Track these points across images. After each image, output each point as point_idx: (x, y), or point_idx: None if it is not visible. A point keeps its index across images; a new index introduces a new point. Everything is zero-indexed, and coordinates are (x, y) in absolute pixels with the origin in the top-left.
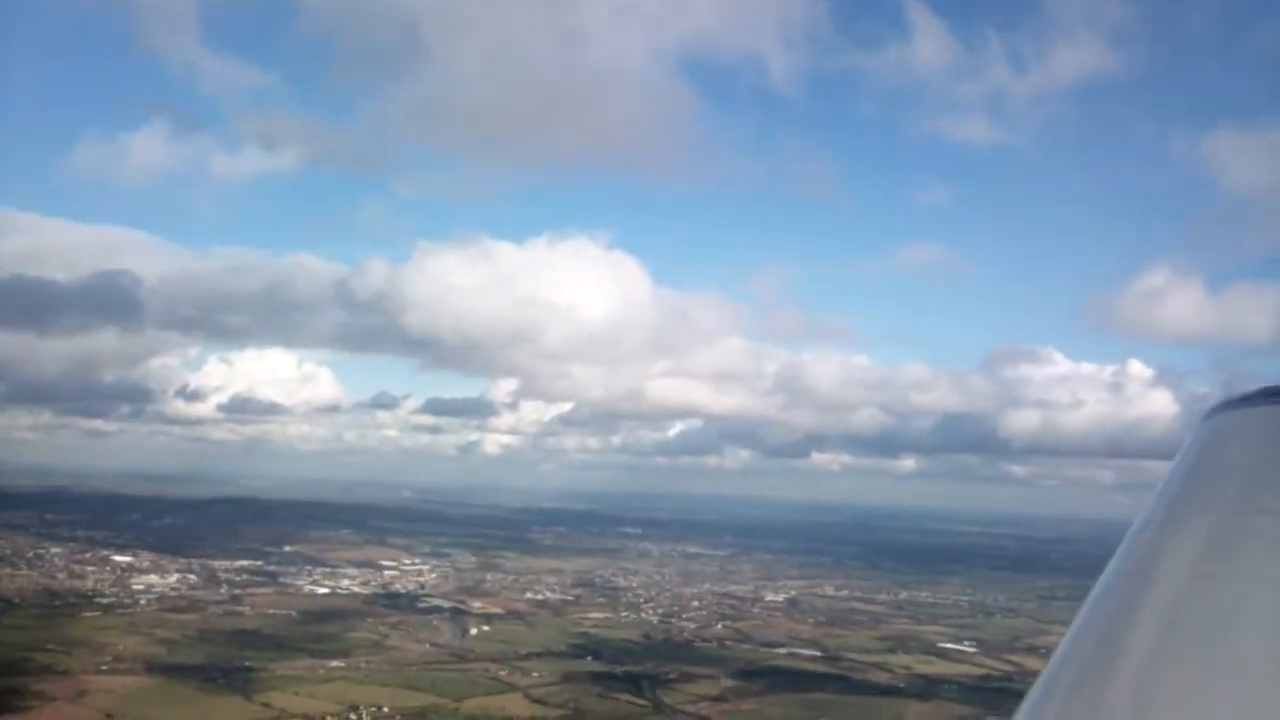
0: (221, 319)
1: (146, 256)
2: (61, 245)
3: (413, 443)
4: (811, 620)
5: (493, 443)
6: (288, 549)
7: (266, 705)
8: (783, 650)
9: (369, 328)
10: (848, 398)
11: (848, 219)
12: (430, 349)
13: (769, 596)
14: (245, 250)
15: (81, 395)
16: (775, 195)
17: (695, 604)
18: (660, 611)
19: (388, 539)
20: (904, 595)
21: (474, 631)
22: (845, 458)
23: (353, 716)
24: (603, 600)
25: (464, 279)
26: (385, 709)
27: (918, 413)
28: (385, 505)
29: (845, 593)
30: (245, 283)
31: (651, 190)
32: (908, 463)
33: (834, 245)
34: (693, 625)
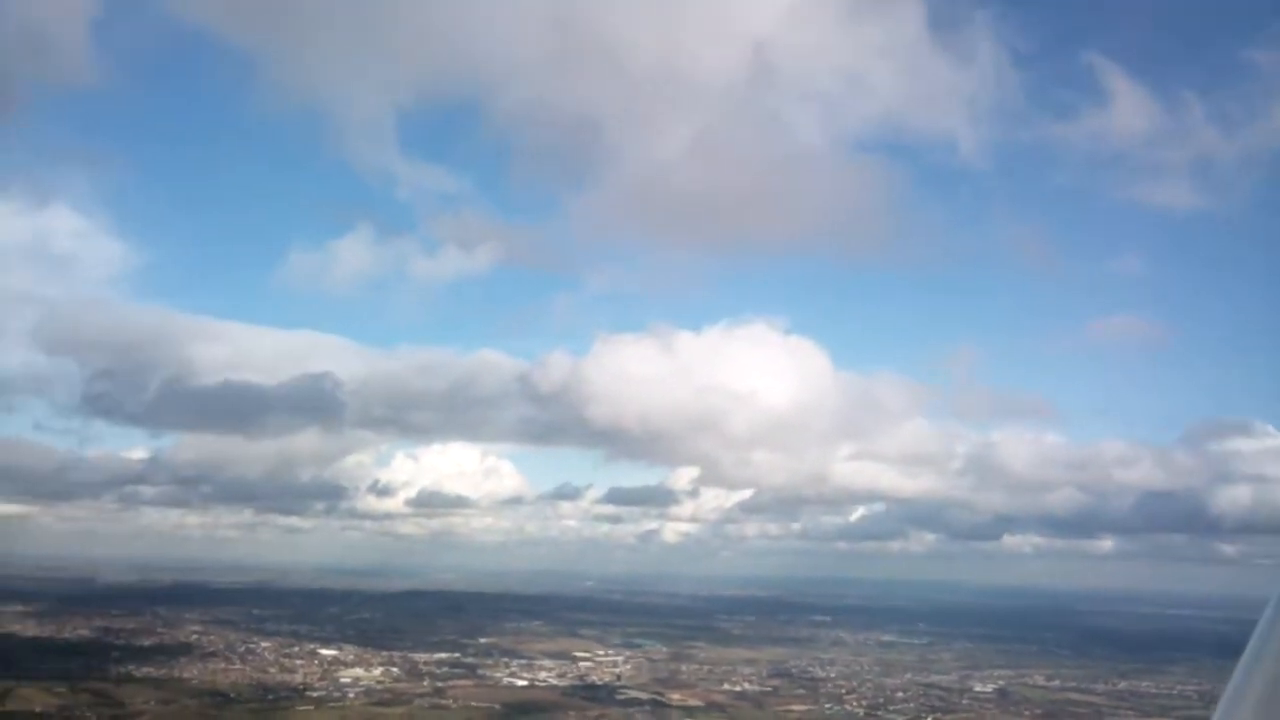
0: (410, 416)
1: (340, 358)
2: (261, 351)
3: (593, 532)
4: (1028, 712)
5: (672, 531)
6: (483, 641)
7: None
8: None
9: (551, 421)
10: (1042, 477)
11: (1041, 293)
12: (611, 440)
13: (977, 687)
14: (433, 349)
15: (280, 494)
16: (963, 273)
17: (900, 695)
18: (865, 703)
19: (578, 630)
20: (1123, 685)
21: None
22: (1038, 539)
23: None
24: (802, 691)
25: (643, 369)
26: None
27: (1117, 491)
28: (570, 595)
29: (1058, 683)
30: (432, 381)
31: (830, 273)
32: (1106, 543)
33: (1027, 321)
34: (901, 718)
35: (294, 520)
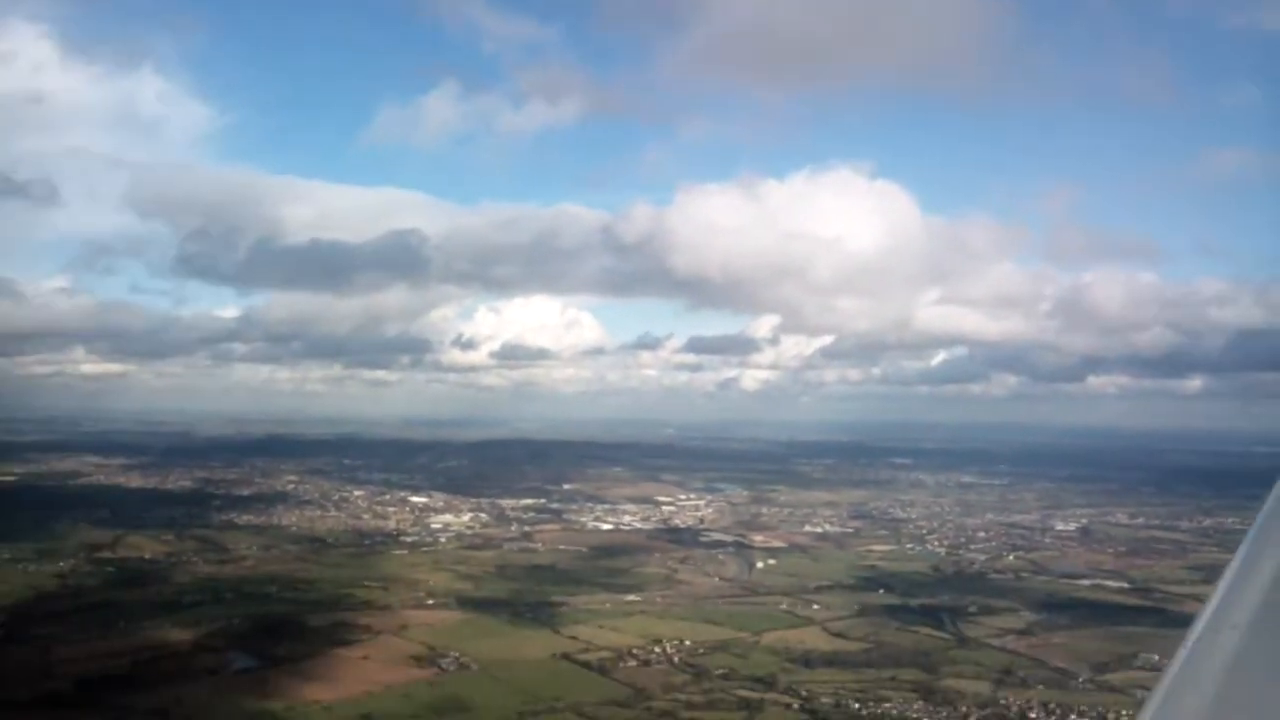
0: (493, 271)
1: (423, 214)
2: (345, 209)
3: (672, 381)
4: (1111, 550)
5: (751, 378)
6: (567, 487)
7: (574, 639)
8: (1085, 582)
9: (632, 271)
10: (1134, 317)
11: (1148, 128)
12: (693, 289)
13: (1059, 526)
14: (515, 204)
15: (366, 349)
16: (1064, 109)
17: (981, 535)
18: (946, 543)
19: (660, 475)
20: (1208, 522)
21: (760, 565)
22: (1124, 380)
23: (656, 649)
24: (884, 532)
25: (727, 218)
26: (687, 643)
27: (1209, 330)
28: (650, 443)
29: (1140, 520)
30: (515, 235)
31: (920, 115)
32: (1194, 383)
33: (1131, 157)
34: (983, 557)
35: (380, 374)
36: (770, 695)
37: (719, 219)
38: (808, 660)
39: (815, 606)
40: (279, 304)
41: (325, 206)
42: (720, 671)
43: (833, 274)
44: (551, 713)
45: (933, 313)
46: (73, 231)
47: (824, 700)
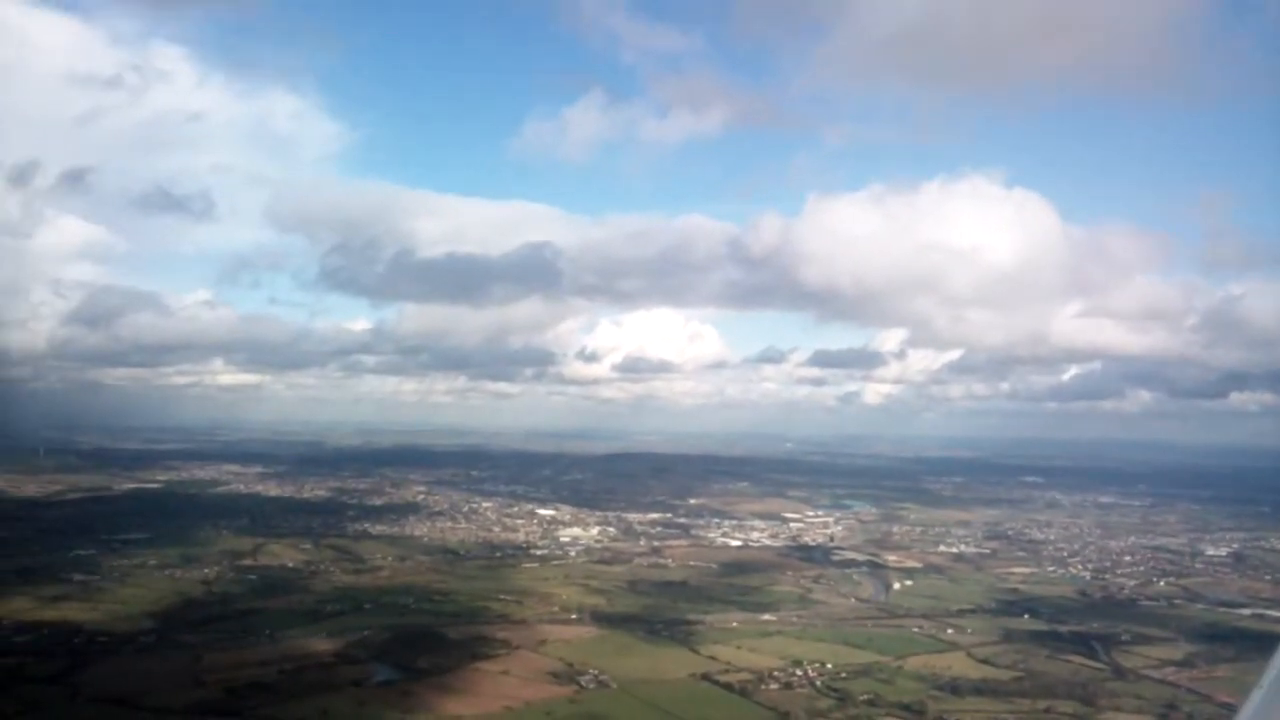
0: (619, 283)
1: (553, 228)
2: (476, 223)
3: (792, 395)
4: (1269, 577)
5: (873, 392)
6: (692, 502)
7: (713, 659)
8: (1245, 611)
9: (758, 284)
10: None
11: None
12: (819, 302)
13: (1209, 551)
14: (641, 215)
15: (492, 361)
16: (1218, 111)
17: (1127, 559)
18: (1090, 567)
19: (785, 491)
20: None
21: (897, 586)
22: (1269, 398)
23: (798, 672)
24: (1022, 554)
25: (856, 228)
26: (828, 665)
27: None
28: (771, 457)
29: None
30: (642, 247)
31: (1057, 120)
32: None
33: None
34: (1132, 582)
35: (503, 386)
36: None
37: (848, 229)
38: (955, 688)
39: (958, 631)
40: (410, 316)
41: (457, 220)
42: (865, 697)
43: (966, 286)
44: None
45: (1070, 326)
46: (216, 246)
47: None
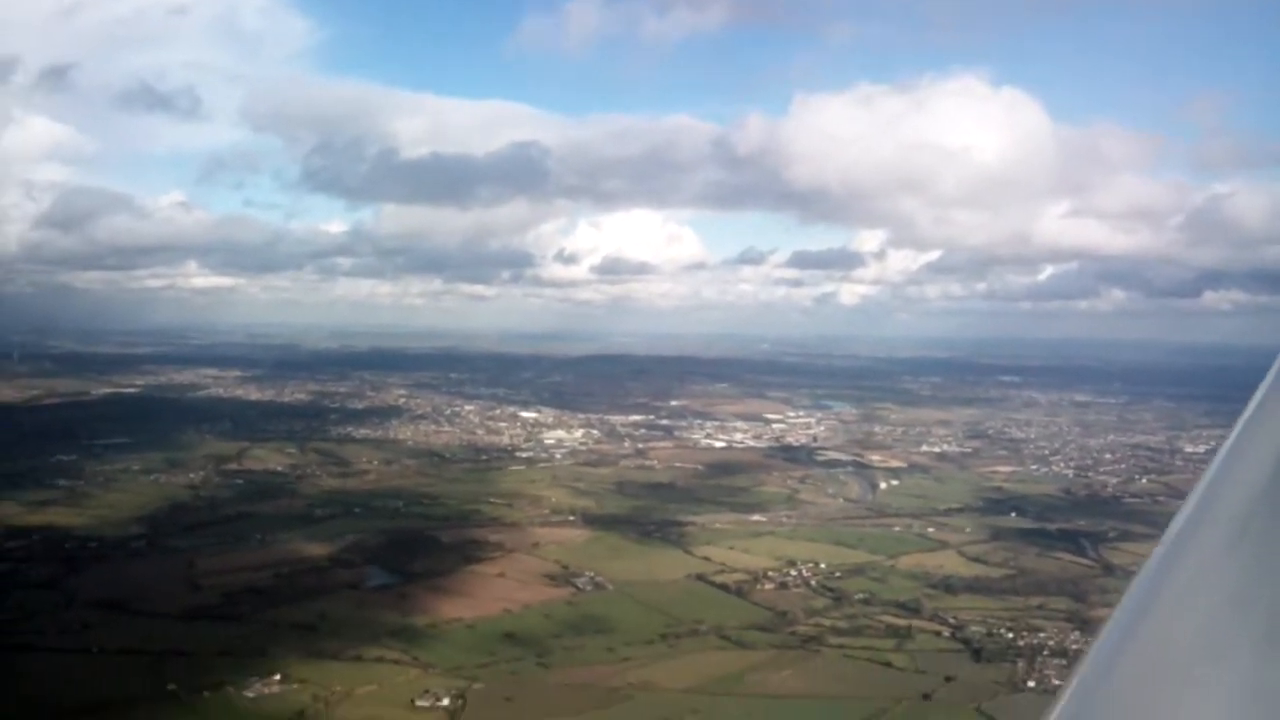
0: (602, 184)
1: (533, 128)
2: (455, 124)
3: (769, 296)
4: None
5: (850, 293)
6: (673, 403)
7: (707, 559)
8: None
9: (741, 185)
10: (1273, 230)
11: None
12: (802, 203)
13: (1187, 448)
14: (626, 116)
15: (469, 263)
16: (1216, 8)
17: (1108, 456)
18: (1072, 465)
19: (765, 392)
20: None
21: (883, 486)
22: (1241, 296)
23: (792, 572)
24: (1004, 453)
25: (842, 129)
26: (822, 565)
27: None
28: (749, 359)
29: None
30: (625, 147)
31: (1048, 19)
32: None
33: None
34: (1114, 480)
35: (479, 289)
36: (917, 622)
37: (834, 129)
38: (949, 585)
39: (947, 530)
40: (389, 218)
41: (437, 120)
42: (860, 596)
43: (951, 186)
44: (694, 635)
45: (1054, 226)
46: (189, 146)
47: (974, 629)
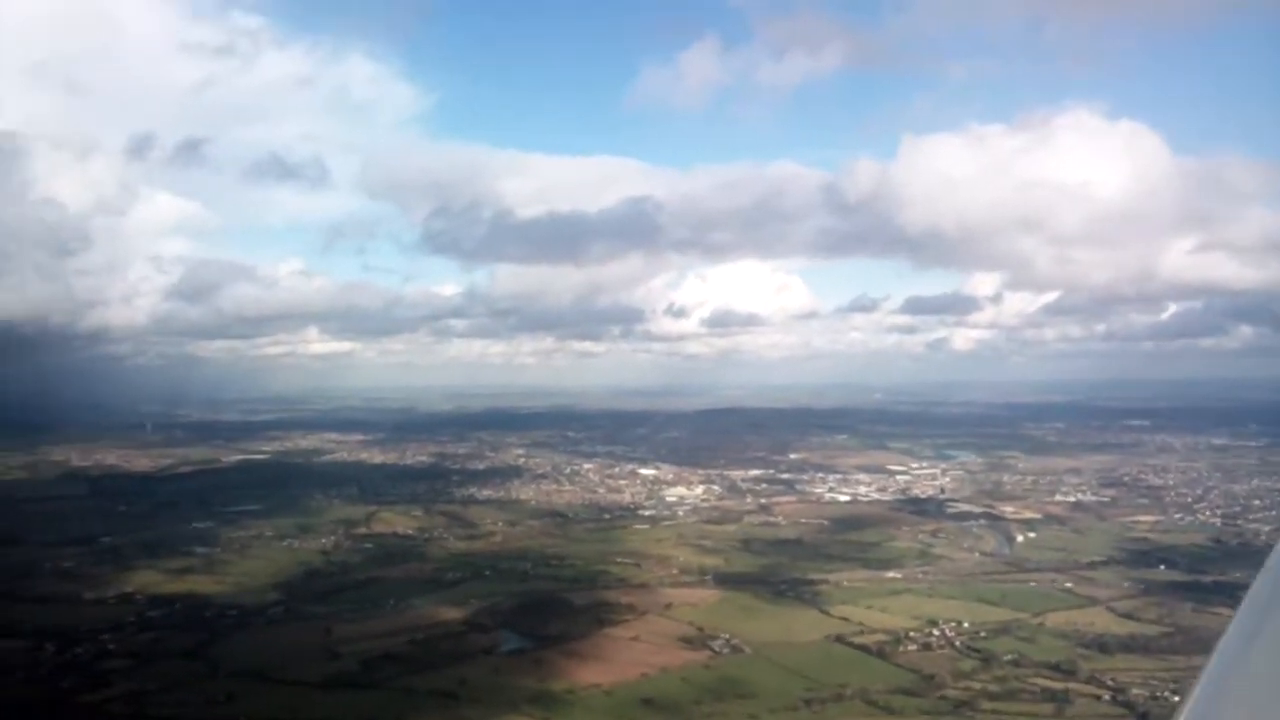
0: (710, 236)
1: (642, 182)
2: (564, 181)
3: (879, 344)
4: None
5: (963, 338)
6: (793, 456)
7: (845, 620)
8: None
9: (850, 231)
10: None
11: None
12: (915, 248)
13: None
14: (729, 166)
15: (580, 320)
16: None
17: (1256, 503)
18: (1219, 513)
19: (885, 442)
20: None
21: (1020, 539)
22: None
23: (935, 632)
24: (1144, 501)
25: (953, 170)
26: (965, 624)
27: None
28: (864, 408)
29: None
30: (733, 198)
31: (1162, 48)
32: None
33: None
34: (1266, 527)
35: (588, 345)
36: (1073, 685)
37: (945, 171)
38: (1103, 645)
39: (1093, 584)
40: (503, 279)
41: (544, 179)
42: (1009, 657)
43: (1069, 224)
44: (838, 700)
45: (1180, 262)
46: (307, 215)
47: (1136, 691)
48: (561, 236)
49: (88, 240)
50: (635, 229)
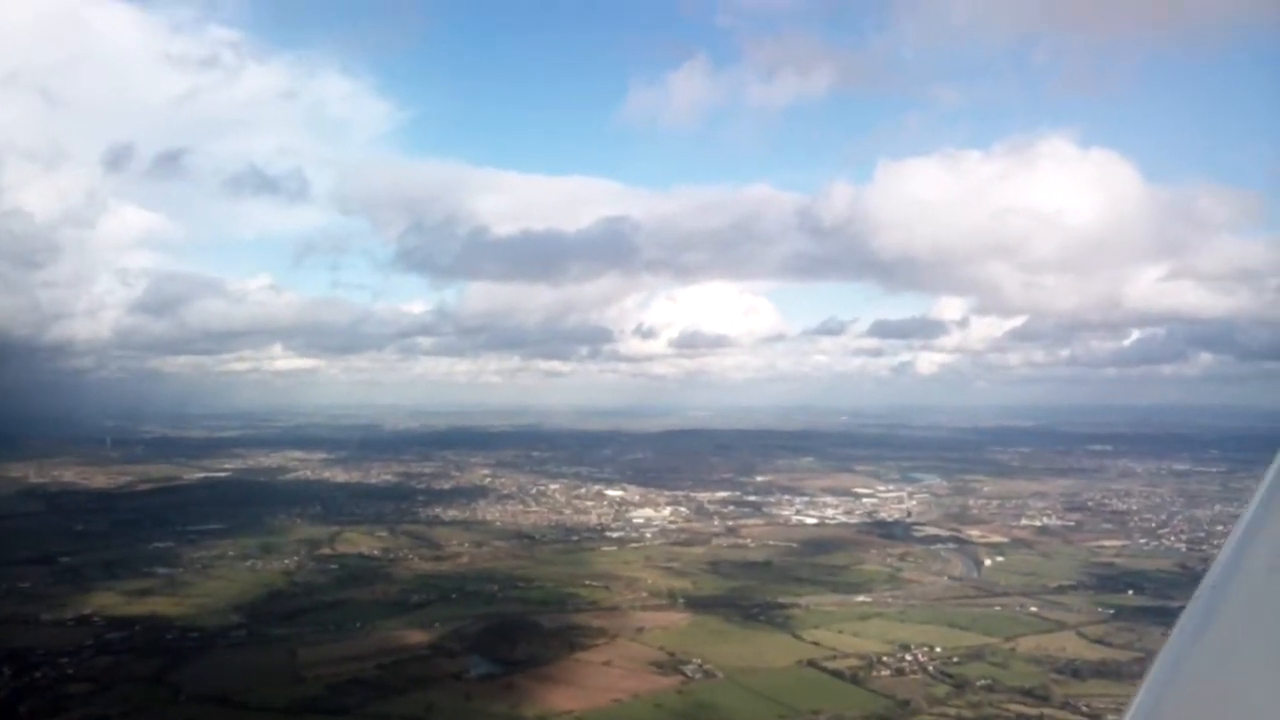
0: (683, 257)
1: (615, 202)
2: (538, 199)
3: (844, 367)
4: None
5: (927, 362)
6: (759, 479)
7: (817, 644)
8: None
9: (823, 255)
10: None
11: None
12: (886, 271)
13: None
14: (705, 187)
15: (548, 339)
16: None
17: (1219, 528)
18: (1184, 538)
19: (851, 465)
20: None
21: (988, 563)
22: None
23: (907, 657)
24: (1109, 526)
25: (927, 195)
26: (937, 649)
27: None
28: (830, 431)
29: None
30: (708, 219)
31: (1134, 76)
32: None
33: None
34: None
35: (554, 364)
36: (1048, 711)
37: (920, 195)
38: (1075, 670)
39: (1062, 609)
40: (473, 297)
41: (518, 197)
42: (983, 682)
43: (1039, 251)
44: None
45: (1144, 289)
46: (277, 230)
47: (1111, 718)
48: (537, 255)
49: (55, 252)
50: (611, 249)
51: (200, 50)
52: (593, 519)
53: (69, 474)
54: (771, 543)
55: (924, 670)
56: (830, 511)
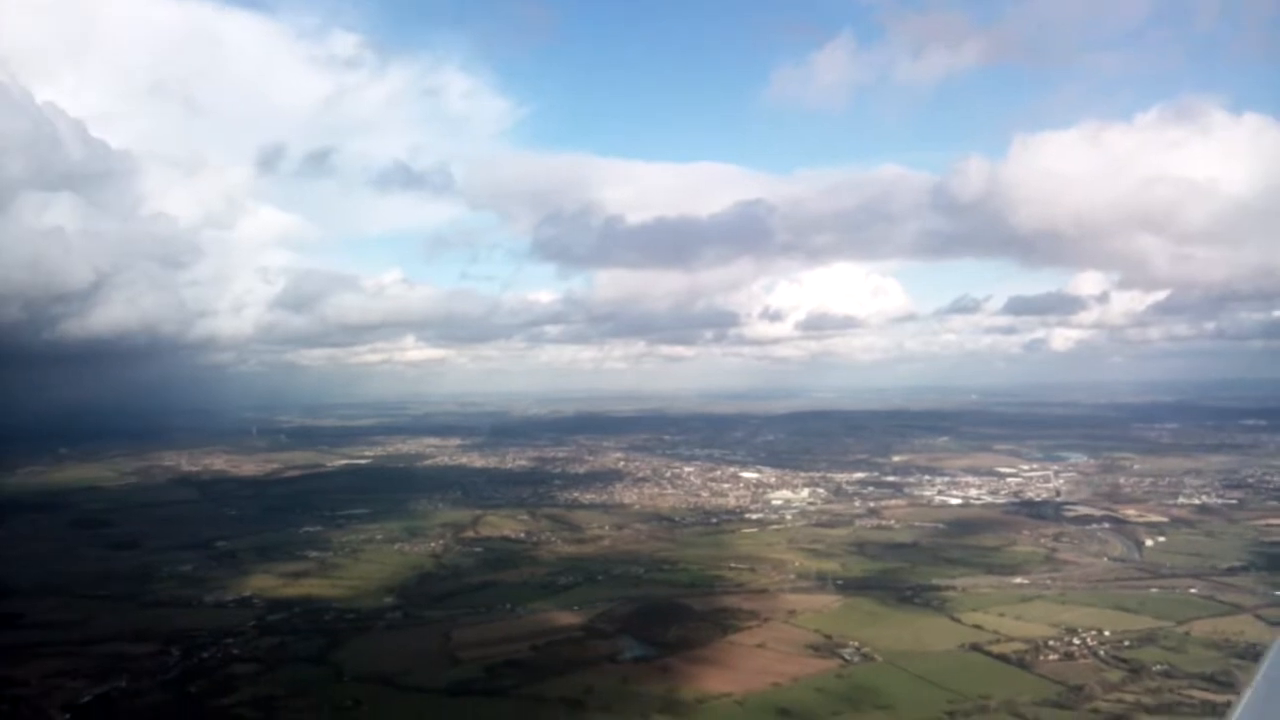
0: (813, 240)
1: (743, 186)
2: (662, 187)
3: (974, 345)
4: None
5: (1061, 338)
6: (895, 459)
7: (979, 628)
8: None
9: (957, 233)
10: None
11: None
12: (1024, 247)
13: None
14: (830, 170)
15: (675, 325)
16: None
17: None
18: None
19: (990, 444)
20: None
21: (1149, 543)
22: None
23: (1075, 641)
24: (1275, 504)
25: (1067, 168)
26: (1106, 633)
27: None
28: (962, 410)
29: None
30: (837, 201)
31: None
32: None
33: None
34: None
35: (679, 349)
36: (1234, 698)
37: (1059, 169)
38: (1258, 656)
39: (1235, 590)
40: (603, 285)
41: (643, 185)
42: (1159, 668)
43: (1188, 221)
44: (983, 713)
45: None
46: (410, 225)
47: None
48: (671, 241)
49: (198, 253)
50: (745, 233)
51: (322, 55)
52: (731, 501)
53: (219, 462)
54: (917, 524)
55: (1094, 655)
56: (974, 491)
